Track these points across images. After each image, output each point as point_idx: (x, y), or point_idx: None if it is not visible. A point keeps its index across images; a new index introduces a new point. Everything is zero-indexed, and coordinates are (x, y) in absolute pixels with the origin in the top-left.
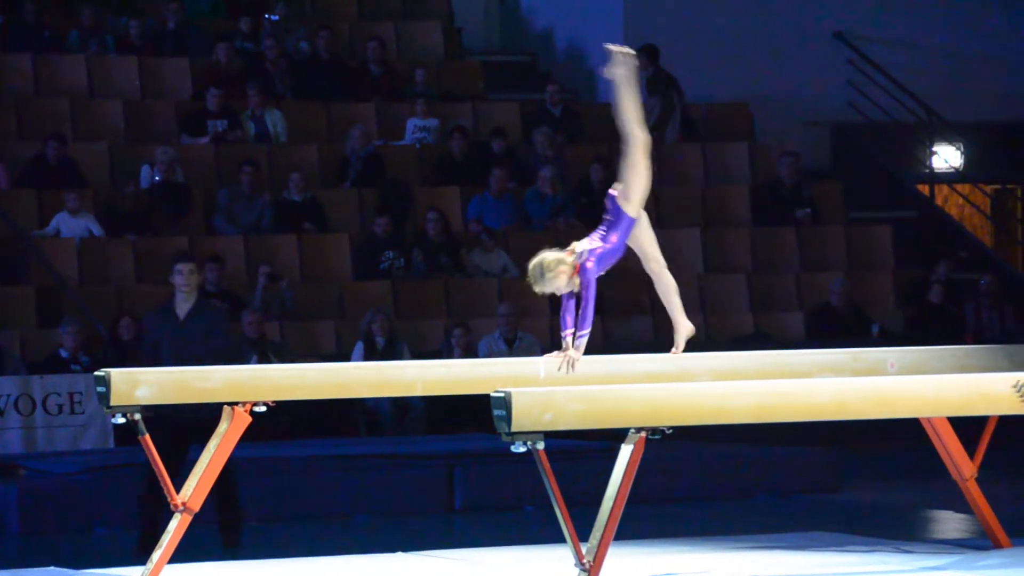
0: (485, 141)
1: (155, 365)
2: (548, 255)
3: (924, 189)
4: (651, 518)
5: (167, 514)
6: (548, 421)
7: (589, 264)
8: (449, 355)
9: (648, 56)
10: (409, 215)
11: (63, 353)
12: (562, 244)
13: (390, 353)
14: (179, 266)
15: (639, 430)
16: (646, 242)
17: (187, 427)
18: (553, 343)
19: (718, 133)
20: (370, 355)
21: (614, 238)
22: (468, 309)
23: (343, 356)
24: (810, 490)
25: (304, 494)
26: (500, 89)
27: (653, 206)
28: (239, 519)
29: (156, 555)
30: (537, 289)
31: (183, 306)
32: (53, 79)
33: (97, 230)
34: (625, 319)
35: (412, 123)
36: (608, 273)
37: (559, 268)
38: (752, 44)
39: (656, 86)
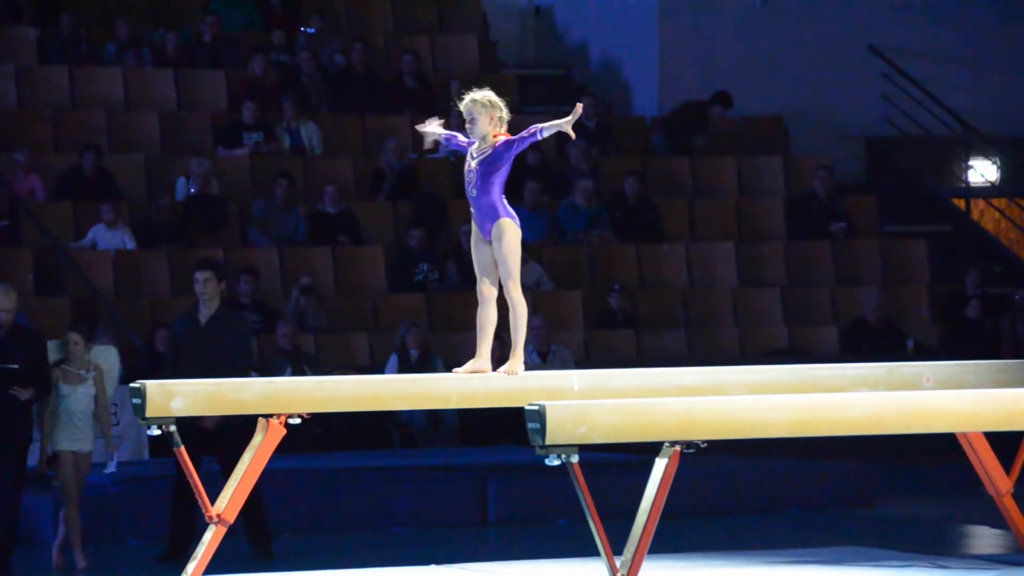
0: (520, 154)
1: (176, 368)
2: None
3: (960, 203)
4: (685, 532)
5: (198, 525)
6: (582, 434)
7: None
8: None
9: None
10: (443, 228)
11: None
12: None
13: (424, 366)
14: (196, 274)
15: (673, 444)
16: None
17: (198, 438)
18: (588, 356)
19: (753, 146)
20: (404, 368)
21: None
22: (502, 322)
23: (377, 368)
24: (844, 504)
25: (337, 506)
26: (535, 102)
27: (688, 220)
28: (268, 530)
29: (191, 567)
30: (464, 106)
31: (205, 313)
32: (90, 91)
33: (131, 244)
34: (658, 333)
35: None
36: (643, 286)
37: (492, 112)
38: (786, 58)
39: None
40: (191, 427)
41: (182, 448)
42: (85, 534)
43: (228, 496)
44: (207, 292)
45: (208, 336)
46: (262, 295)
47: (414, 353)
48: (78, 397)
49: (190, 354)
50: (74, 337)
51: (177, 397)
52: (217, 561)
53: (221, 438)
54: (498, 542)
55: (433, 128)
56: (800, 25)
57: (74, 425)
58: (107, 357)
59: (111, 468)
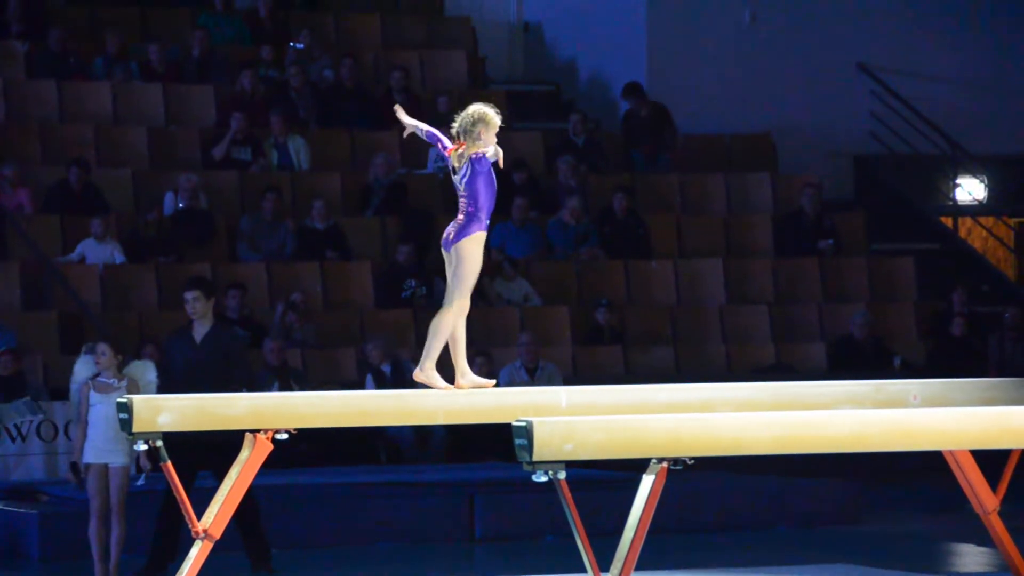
0: (508, 170)
1: (172, 387)
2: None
3: (947, 221)
4: (672, 548)
5: (184, 540)
6: (569, 451)
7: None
8: None
9: (637, 94)
10: (431, 243)
11: None
12: (584, 273)
13: (400, 377)
14: (185, 294)
15: (661, 460)
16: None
17: (195, 453)
18: (575, 373)
19: (741, 163)
20: (381, 385)
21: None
22: (490, 338)
23: (364, 386)
24: (831, 522)
25: (324, 522)
26: (523, 118)
27: (676, 236)
28: (267, 545)
29: None
30: (455, 128)
31: (199, 331)
32: (78, 105)
33: (120, 257)
34: (646, 349)
35: (434, 152)
36: (631, 302)
37: (479, 128)
38: (775, 75)
39: (649, 122)
40: (187, 442)
41: (169, 463)
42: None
43: (215, 511)
44: (197, 311)
45: (205, 354)
46: (250, 310)
47: (386, 368)
48: (108, 407)
49: (187, 373)
50: (102, 348)
51: (164, 412)
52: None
53: (218, 454)
54: (485, 558)
55: (412, 121)
56: (789, 43)
57: (103, 437)
58: (144, 371)
59: (140, 481)
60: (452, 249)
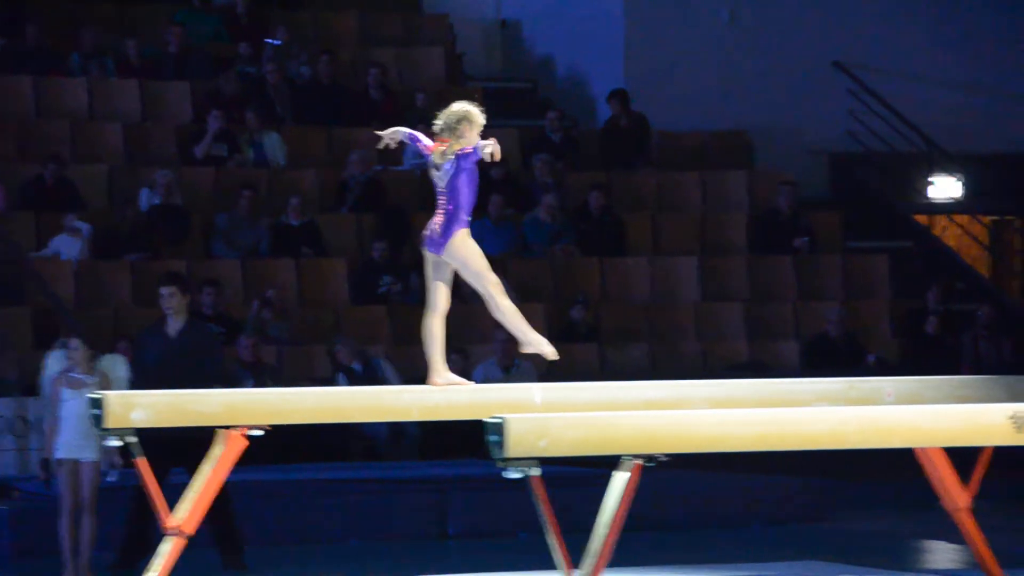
0: (485, 167)
1: (144, 383)
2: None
3: (922, 219)
4: (645, 546)
5: (155, 536)
6: (543, 448)
7: (469, 158)
8: None
9: (621, 102)
10: (407, 240)
11: None
12: (560, 270)
13: (371, 374)
14: (160, 289)
15: (634, 457)
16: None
17: (169, 449)
18: (550, 371)
19: (717, 161)
20: (353, 383)
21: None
22: (465, 335)
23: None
24: (804, 519)
25: (298, 519)
26: (500, 115)
27: (652, 234)
28: (240, 543)
29: None
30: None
31: (173, 326)
32: (54, 101)
33: (86, 251)
34: (621, 346)
35: (411, 149)
36: (607, 299)
37: (463, 126)
38: (752, 72)
39: (627, 133)
40: (160, 438)
41: (140, 459)
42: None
43: (187, 508)
44: (172, 306)
45: (179, 350)
46: (225, 307)
47: (357, 367)
48: (80, 403)
49: (160, 369)
50: (74, 343)
51: (137, 408)
52: (186, 573)
53: (192, 450)
54: (458, 555)
55: (390, 132)
56: (766, 41)
57: (74, 432)
58: (114, 367)
59: (112, 477)
60: (444, 252)
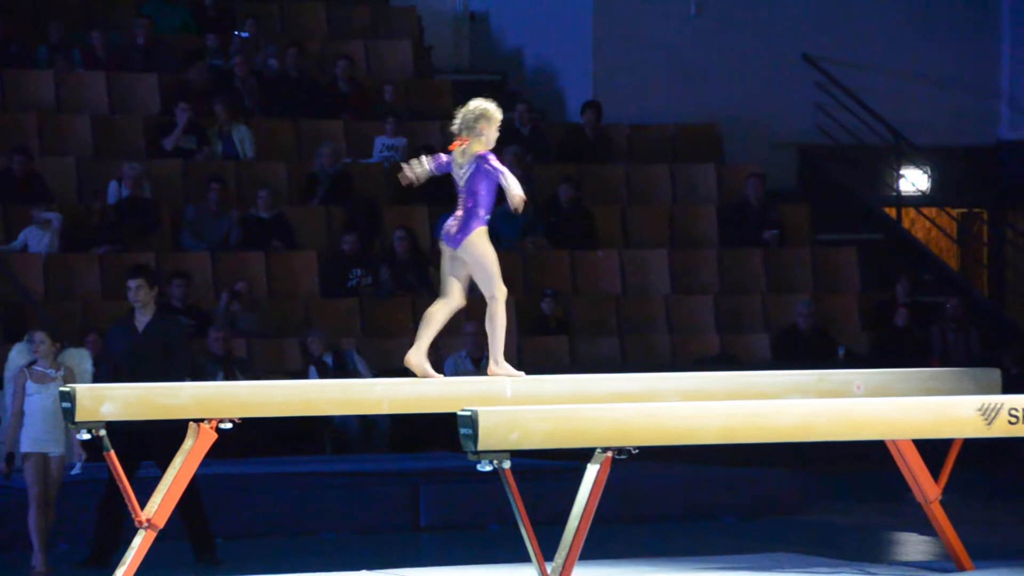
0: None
1: (113, 376)
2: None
3: (891, 212)
4: (616, 538)
5: (127, 530)
6: (514, 440)
7: (491, 163)
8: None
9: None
10: (377, 233)
11: None
12: (530, 263)
13: (343, 367)
14: (128, 282)
15: (605, 450)
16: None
17: (139, 442)
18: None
19: (686, 154)
20: (324, 376)
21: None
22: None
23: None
24: (775, 511)
25: (269, 511)
26: None
27: (622, 226)
28: (211, 536)
29: (120, 572)
30: (455, 127)
31: (141, 319)
32: (21, 94)
33: (55, 244)
34: (592, 339)
35: (380, 141)
36: (577, 292)
37: (481, 124)
38: (721, 66)
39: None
40: (130, 431)
41: (112, 452)
42: (49, 540)
43: (158, 501)
44: (140, 299)
45: (147, 342)
46: (194, 300)
47: (328, 360)
48: (45, 397)
49: (129, 361)
50: (39, 336)
51: (107, 401)
52: (159, 567)
53: (161, 443)
54: (429, 548)
55: (421, 168)
56: (734, 34)
57: (40, 426)
58: (80, 360)
59: (76, 470)
60: (460, 248)
